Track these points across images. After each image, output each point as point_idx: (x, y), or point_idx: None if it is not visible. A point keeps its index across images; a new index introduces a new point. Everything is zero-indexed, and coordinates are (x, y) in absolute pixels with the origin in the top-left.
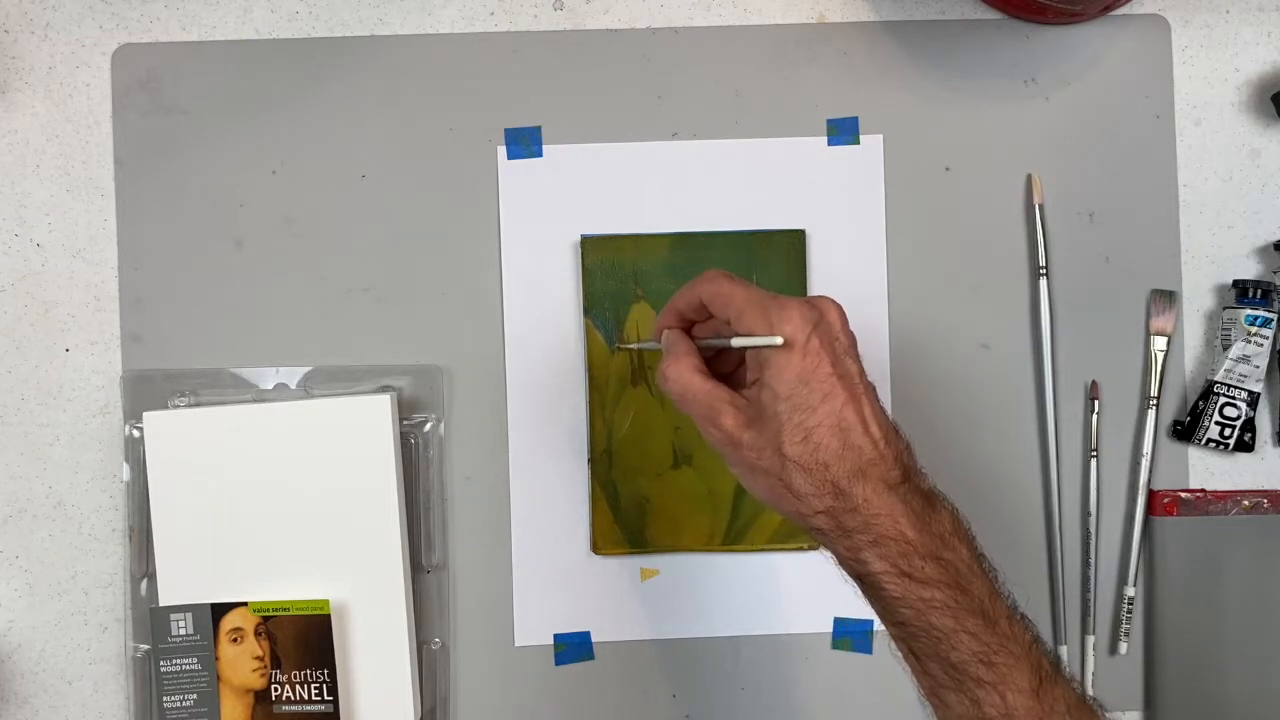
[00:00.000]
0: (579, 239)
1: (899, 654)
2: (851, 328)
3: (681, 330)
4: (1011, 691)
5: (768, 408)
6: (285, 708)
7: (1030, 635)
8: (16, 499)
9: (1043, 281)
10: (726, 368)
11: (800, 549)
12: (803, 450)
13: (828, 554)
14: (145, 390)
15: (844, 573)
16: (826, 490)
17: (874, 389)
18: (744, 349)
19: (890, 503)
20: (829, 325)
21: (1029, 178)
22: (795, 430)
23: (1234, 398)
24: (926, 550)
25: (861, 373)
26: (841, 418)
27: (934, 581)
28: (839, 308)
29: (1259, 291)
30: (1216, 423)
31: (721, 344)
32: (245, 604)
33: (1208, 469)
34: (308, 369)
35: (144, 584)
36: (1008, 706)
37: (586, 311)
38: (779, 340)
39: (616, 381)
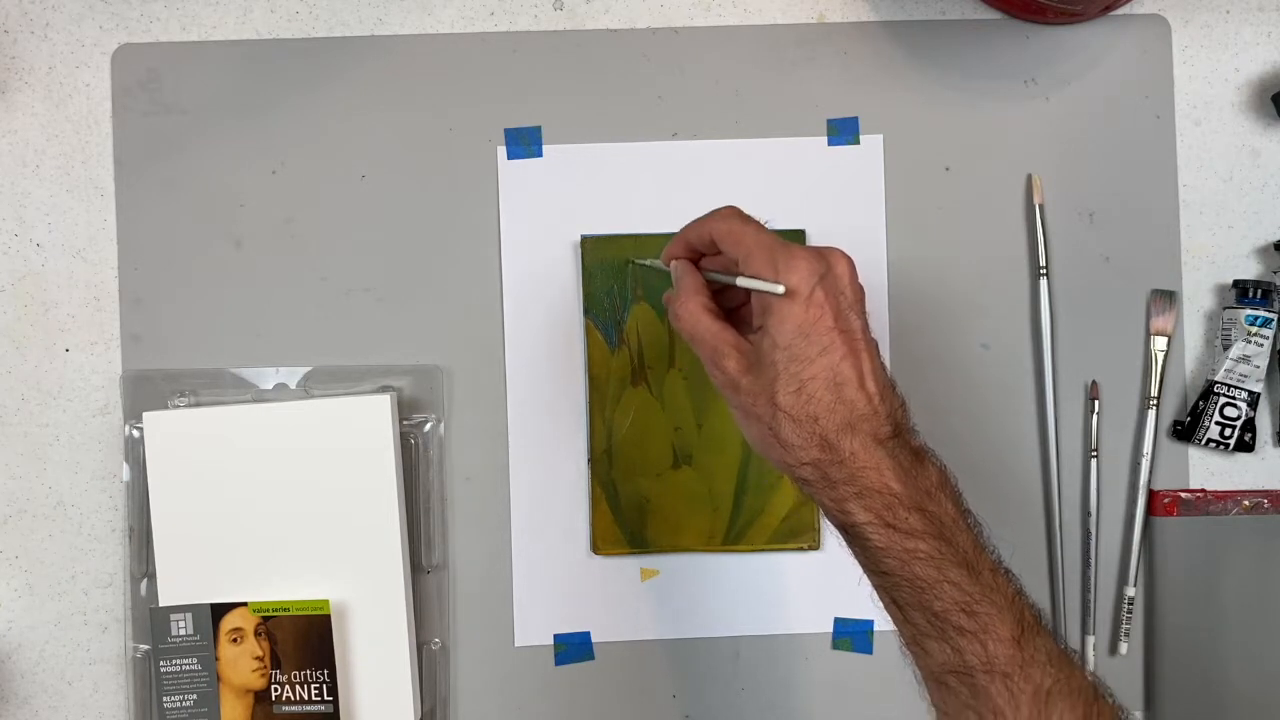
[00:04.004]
0: (579, 239)
1: (880, 604)
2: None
3: (690, 262)
4: (993, 640)
5: (766, 355)
6: (285, 708)
7: (1014, 587)
8: (16, 499)
9: (1043, 281)
10: (733, 303)
11: (800, 549)
12: (794, 401)
13: (827, 551)
14: (145, 390)
15: (830, 523)
16: (814, 442)
17: (876, 345)
18: (749, 289)
19: (878, 457)
20: (836, 278)
21: (1029, 178)
22: (790, 380)
23: (1234, 398)
24: (911, 502)
25: (865, 328)
26: (838, 371)
27: (918, 533)
28: (848, 260)
29: (1259, 291)
30: (1217, 423)
31: (727, 280)
32: (245, 604)
33: (1208, 469)
34: (308, 369)
35: (144, 584)
36: (989, 655)
37: (586, 311)
38: (781, 289)
39: (616, 381)
